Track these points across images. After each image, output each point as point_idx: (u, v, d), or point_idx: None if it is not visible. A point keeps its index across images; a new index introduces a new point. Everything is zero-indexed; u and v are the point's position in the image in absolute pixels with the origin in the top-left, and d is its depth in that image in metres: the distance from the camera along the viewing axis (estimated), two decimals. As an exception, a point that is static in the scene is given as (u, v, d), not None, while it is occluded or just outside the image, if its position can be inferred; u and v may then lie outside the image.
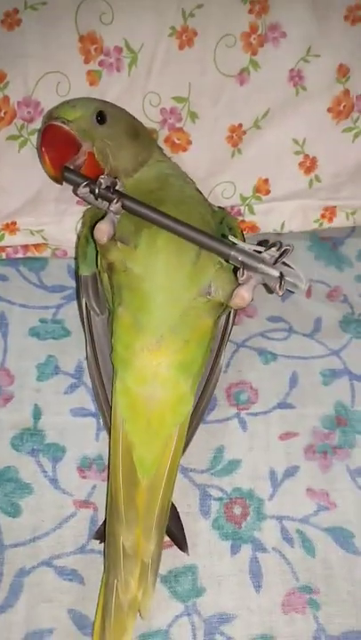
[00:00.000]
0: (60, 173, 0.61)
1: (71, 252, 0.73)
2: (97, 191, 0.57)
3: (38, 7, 0.66)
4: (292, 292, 0.56)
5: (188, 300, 0.58)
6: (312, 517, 0.61)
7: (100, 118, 0.63)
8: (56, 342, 0.67)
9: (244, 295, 0.54)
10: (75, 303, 0.70)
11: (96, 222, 0.58)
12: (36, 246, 0.73)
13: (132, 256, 0.59)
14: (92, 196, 0.59)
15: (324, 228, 0.77)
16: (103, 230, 0.57)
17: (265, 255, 0.55)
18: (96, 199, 0.59)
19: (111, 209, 0.57)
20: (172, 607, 0.56)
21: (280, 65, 0.71)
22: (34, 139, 0.68)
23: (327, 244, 0.78)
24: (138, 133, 0.66)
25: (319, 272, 0.76)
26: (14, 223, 0.71)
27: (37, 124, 0.68)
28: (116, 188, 0.58)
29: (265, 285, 0.56)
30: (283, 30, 0.70)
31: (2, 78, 0.66)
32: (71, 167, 0.61)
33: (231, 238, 0.56)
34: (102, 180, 0.57)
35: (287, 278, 0.54)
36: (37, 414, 0.63)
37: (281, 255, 0.54)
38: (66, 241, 0.73)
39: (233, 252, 0.55)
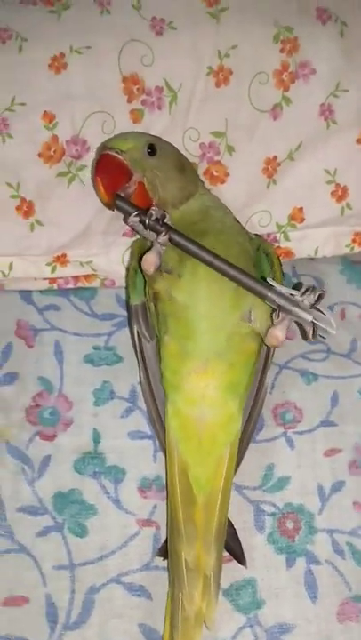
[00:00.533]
0: (113, 200, 0.64)
1: (119, 282, 0.77)
2: (147, 222, 0.61)
3: (83, 51, 0.69)
4: (323, 338, 0.61)
5: (231, 325, 0.62)
6: (360, 530, 0.64)
7: (151, 150, 0.66)
8: (110, 368, 0.71)
9: (278, 335, 0.58)
10: (125, 330, 0.73)
11: (144, 253, 0.62)
12: (86, 277, 0.76)
13: (177, 285, 0.62)
14: (141, 225, 0.62)
15: (354, 252, 0.81)
16: (150, 261, 0.60)
17: (300, 299, 0.57)
18: (145, 229, 0.62)
19: (159, 241, 0.61)
20: (235, 619, 0.60)
21: (311, 100, 0.74)
22: (82, 175, 0.72)
23: (358, 267, 0.82)
24: (184, 167, 0.70)
25: (351, 294, 0.79)
26: (64, 255, 0.74)
27: (85, 161, 0.71)
28: (165, 220, 0.61)
29: (298, 325, 0.59)
30: (312, 67, 0.74)
31: (51, 119, 0.70)
32: (122, 195, 0.64)
33: (269, 280, 0.59)
34: (153, 212, 0.61)
35: (319, 324, 0.57)
36: (97, 438, 0.66)
37: (317, 300, 0.58)
38: (113, 272, 0.76)
39: (270, 294, 0.58)
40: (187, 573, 0.57)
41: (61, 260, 0.75)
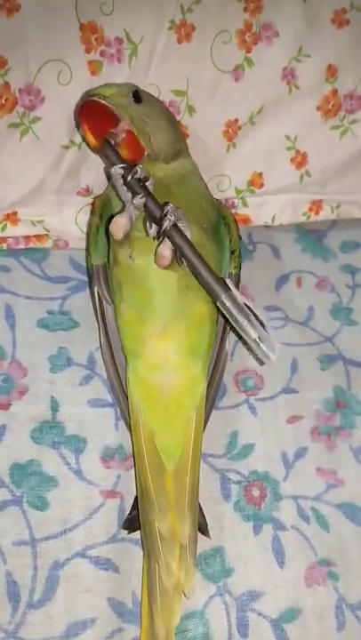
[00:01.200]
0: (101, 143, 0.60)
1: (72, 243, 0.73)
2: (129, 178, 0.57)
3: (37, -7, 0.65)
4: (261, 364, 0.62)
5: (179, 288, 0.59)
6: (323, 495, 0.65)
7: (136, 97, 0.62)
8: (66, 334, 0.67)
9: (163, 253, 0.55)
10: (81, 295, 0.69)
11: (112, 216, 0.58)
12: (38, 237, 0.72)
13: (137, 249, 0.59)
14: (121, 180, 0.57)
15: (310, 220, 0.81)
16: (120, 224, 0.56)
17: (251, 312, 0.55)
18: (123, 185, 0.58)
19: (134, 202, 0.57)
20: (205, 588, 0.58)
21: (274, 63, 0.73)
22: (35, 127, 0.67)
23: (312, 236, 0.82)
24: (173, 120, 0.67)
25: (307, 263, 0.79)
26: (15, 213, 0.70)
27: (39, 113, 0.67)
28: (147, 184, 0.58)
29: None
30: (276, 30, 0.72)
31: (2, 64, 0.65)
32: (111, 142, 0.60)
33: (228, 282, 0.56)
34: (138, 170, 0.57)
35: (261, 345, 0.55)
36: (55, 406, 0.62)
37: (262, 324, 0.55)
38: (66, 232, 0.72)
39: (223, 296, 0.55)
40: (162, 544, 0.55)
41: (12, 218, 0.70)
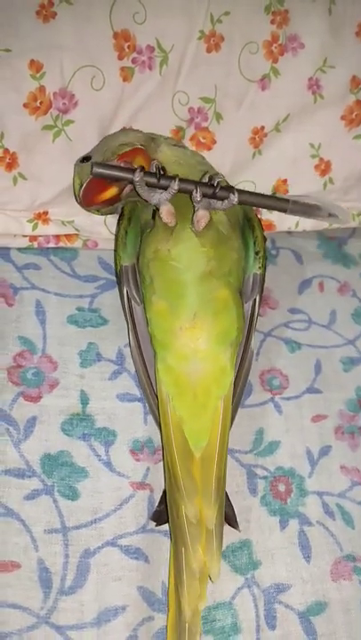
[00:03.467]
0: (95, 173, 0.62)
1: (101, 244, 0.74)
2: (158, 174, 0.60)
3: (73, 1, 0.67)
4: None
5: (207, 275, 0.62)
6: (348, 492, 0.65)
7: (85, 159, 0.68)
8: (95, 330, 0.68)
9: (201, 214, 0.60)
10: (109, 293, 0.71)
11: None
12: (68, 236, 0.73)
13: (171, 240, 0.62)
14: (144, 182, 0.60)
15: (332, 227, 0.82)
16: (170, 211, 0.61)
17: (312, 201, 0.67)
18: (156, 184, 0.61)
19: (173, 188, 0.60)
20: (234, 580, 0.59)
21: (299, 73, 0.75)
22: (68, 130, 0.69)
23: (333, 242, 0.83)
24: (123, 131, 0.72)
25: (328, 269, 0.81)
26: (46, 213, 0.71)
27: (72, 116, 0.69)
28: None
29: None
30: (301, 41, 0.75)
31: (39, 68, 0.67)
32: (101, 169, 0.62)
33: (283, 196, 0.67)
34: (154, 165, 0.61)
35: (334, 212, 0.69)
36: (85, 400, 0.63)
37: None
38: (96, 232, 0.74)
39: (289, 206, 0.66)
40: (188, 528, 0.56)
41: (43, 217, 0.72)
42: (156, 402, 0.63)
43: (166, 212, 0.60)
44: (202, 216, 0.60)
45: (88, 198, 0.65)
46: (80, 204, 0.67)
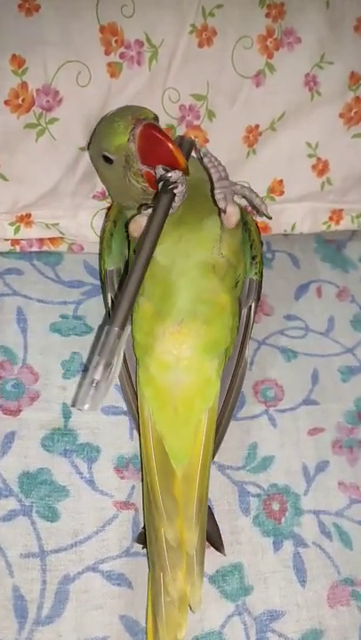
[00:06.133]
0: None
1: (87, 248, 0.71)
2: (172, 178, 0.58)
3: (56, -6, 0.64)
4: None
5: (204, 279, 0.58)
6: (346, 510, 0.62)
7: None
8: (79, 339, 0.64)
9: (232, 211, 0.59)
10: (95, 300, 0.67)
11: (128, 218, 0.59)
12: (52, 240, 0.70)
13: (160, 245, 0.58)
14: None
15: (330, 230, 0.79)
16: (140, 224, 0.57)
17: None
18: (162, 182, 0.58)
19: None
20: (223, 607, 0.55)
21: (295, 69, 0.72)
22: (52, 128, 0.66)
23: (332, 246, 0.80)
24: None
25: (326, 273, 0.77)
26: (29, 215, 0.68)
27: (56, 114, 0.65)
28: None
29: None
30: (298, 36, 0.71)
31: (20, 64, 0.63)
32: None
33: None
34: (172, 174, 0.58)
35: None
36: (67, 413, 0.60)
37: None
38: (81, 235, 0.71)
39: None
40: (168, 553, 0.53)
41: (25, 220, 0.68)
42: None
43: (134, 223, 0.59)
44: (233, 212, 0.59)
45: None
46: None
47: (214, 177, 0.59)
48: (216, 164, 0.61)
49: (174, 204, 0.58)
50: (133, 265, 0.54)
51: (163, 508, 0.54)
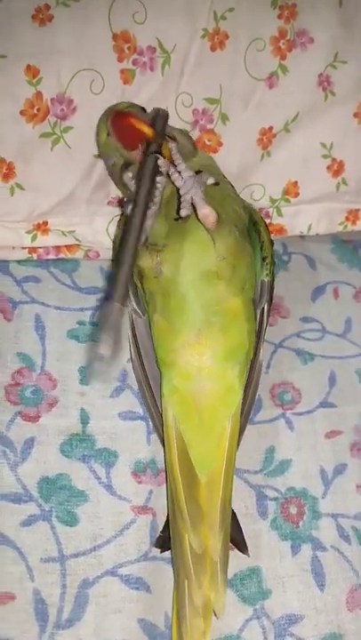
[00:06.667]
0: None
1: (103, 254, 0.72)
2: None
3: (70, 4, 0.64)
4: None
5: (213, 288, 0.58)
6: (365, 514, 0.61)
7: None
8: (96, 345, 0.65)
9: (204, 212, 0.54)
10: (112, 305, 0.68)
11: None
12: (69, 247, 0.71)
13: (163, 259, 0.58)
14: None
15: (347, 230, 0.79)
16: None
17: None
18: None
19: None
20: (241, 611, 0.55)
21: (309, 70, 0.72)
22: (67, 137, 0.67)
23: (349, 246, 0.79)
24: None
25: (343, 274, 0.77)
26: (45, 223, 0.69)
27: (71, 122, 0.66)
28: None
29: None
30: (311, 36, 0.71)
31: (35, 74, 0.64)
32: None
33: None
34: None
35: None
36: (85, 419, 0.61)
37: None
38: (97, 242, 0.71)
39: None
40: (192, 560, 0.53)
41: (42, 228, 0.69)
42: (160, 419, 0.60)
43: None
44: (206, 214, 0.55)
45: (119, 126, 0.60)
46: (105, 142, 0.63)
47: (176, 184, 0.56)
48: (177, 165, 0.57)
49: (160, 181, 0.56)
50: (125, 236, 0.53)
51: (187, 515, 0.55)
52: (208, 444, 0.57)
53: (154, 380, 0.62)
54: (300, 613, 0.56)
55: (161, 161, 0.56)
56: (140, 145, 0.59)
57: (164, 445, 0.59)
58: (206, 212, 0.55)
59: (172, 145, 0.58)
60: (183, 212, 0.55)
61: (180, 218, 0.55)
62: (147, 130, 0.57)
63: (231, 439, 0.58)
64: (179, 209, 0.55)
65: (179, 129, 0.66)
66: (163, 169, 0.56)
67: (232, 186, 0.67)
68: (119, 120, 0.60)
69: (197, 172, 0.57)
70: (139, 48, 0.66)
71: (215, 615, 0.52)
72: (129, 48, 0.66)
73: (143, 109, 0.64)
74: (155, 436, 0.61)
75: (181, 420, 0.58)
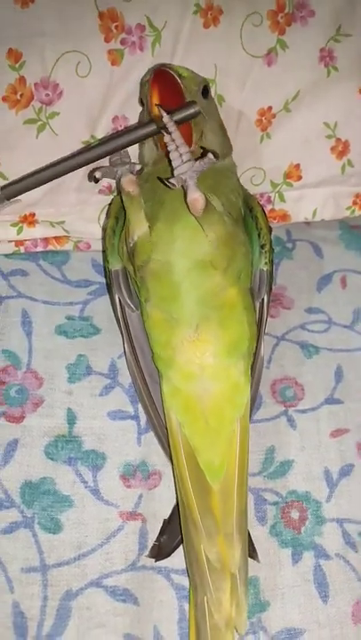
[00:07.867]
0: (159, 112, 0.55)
1: (95, 245, 0.69)
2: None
3: (53, -17, 0.61)
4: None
5: (208, 277, 0.54)
6: (373, 519, 0.57)
7: (205, 92, 0.60)
8: (86, 341, 0.62)
9: (194, 197, 0.51)
10: (102, 299, 0.65)
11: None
12: (57, 239, 0.68)
13: (153, 243, 0.55)
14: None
15: (355, 215, 0.74)
16: (133, 180, 0.56)
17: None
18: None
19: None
20: (237, 625, 0.51)
21: (309, 45, 0.68)
22: (53, 123, 0.64)
23: (357, 232, 0.75)
24: (224, 128, 0.64)
25: (352, 262, 0.73)
26: (32, 215, 0.66)
27: (57, 107, 0.63)
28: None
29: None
30: (311, 9, 0.67)
31: (17, 58, 0.61)
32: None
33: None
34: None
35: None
36: (72, 419, 0.58)
37: None
38: (88, 233, 0.68)
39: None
40: (210, 574, 0.50)
41: (29, 219, 0.66)
42: (157, 415, 0.58)
43: (128, 182, 0.55)
44: (196, 198, 0.51)
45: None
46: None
47: (173, 162, 0.53)
48: (178, 144, 0.53)
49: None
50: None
51: (202, 526, 0.52)
52: (217, 450, 0.54)
53: (149, 375, 0.59)
54: (302, 627, 0.52)
55: (171, 126, 0.53)
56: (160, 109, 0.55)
57: (162, 446, 0.57)
58: (196, 197, 0.52)
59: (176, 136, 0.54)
60: (173, 182, 0.52)
61: (166, 181, 0.52)
62: (154, 110, 0.55)
63: (242, 443, 0.54)
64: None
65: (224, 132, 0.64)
66: (167, 138, 0.53)
67: (238, 182, 0.64)
68: (157, 77, 0.56)
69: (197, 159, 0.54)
70: (127, 27, 0.63)
71: (237, 632, 0.49)
72: (116, 27, 0.63)
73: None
74: (146, 437, 0.58)
75: (186, 424, 0.55)
